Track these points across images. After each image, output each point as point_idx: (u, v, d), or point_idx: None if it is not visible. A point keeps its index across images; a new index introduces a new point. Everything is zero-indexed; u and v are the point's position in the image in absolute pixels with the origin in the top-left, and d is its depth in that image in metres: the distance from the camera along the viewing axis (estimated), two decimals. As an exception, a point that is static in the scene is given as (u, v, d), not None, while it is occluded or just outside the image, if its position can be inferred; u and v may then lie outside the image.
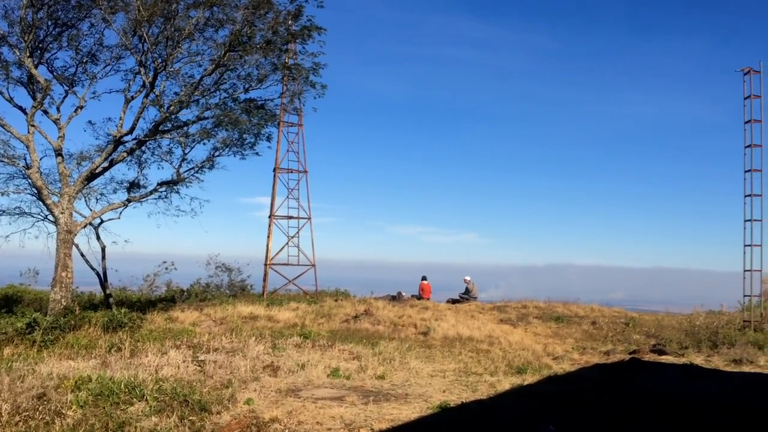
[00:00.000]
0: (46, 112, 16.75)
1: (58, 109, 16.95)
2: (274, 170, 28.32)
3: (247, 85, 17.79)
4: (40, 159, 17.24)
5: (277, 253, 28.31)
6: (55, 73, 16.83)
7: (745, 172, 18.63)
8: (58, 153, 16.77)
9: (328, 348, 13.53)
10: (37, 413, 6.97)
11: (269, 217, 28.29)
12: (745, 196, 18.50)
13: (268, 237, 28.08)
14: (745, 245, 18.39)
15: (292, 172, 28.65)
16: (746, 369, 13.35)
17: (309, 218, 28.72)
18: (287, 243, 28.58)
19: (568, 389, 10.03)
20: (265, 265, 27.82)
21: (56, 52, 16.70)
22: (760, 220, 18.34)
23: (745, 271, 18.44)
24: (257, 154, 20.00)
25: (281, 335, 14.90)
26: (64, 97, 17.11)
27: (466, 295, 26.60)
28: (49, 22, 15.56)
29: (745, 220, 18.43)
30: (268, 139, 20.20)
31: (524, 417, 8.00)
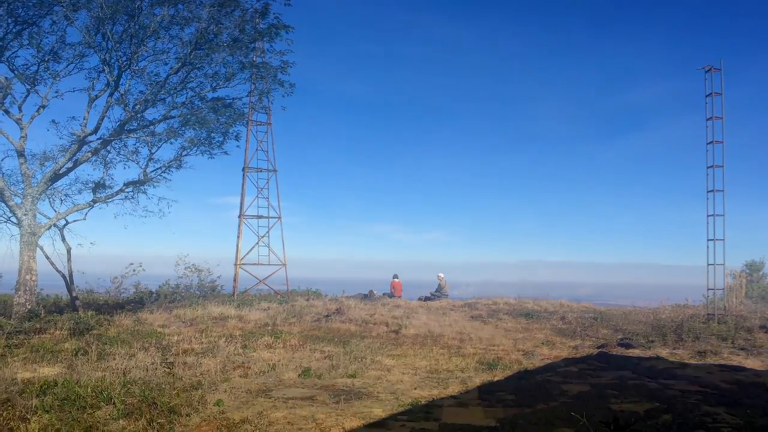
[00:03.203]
0: (7, 111, 16.36)
1: (19, 108, 16.56)
2: (243, 169, 28.13)
3: (214, 84, 17.62)
4: (2, 160, 16.92)
5: (248, 253, 28.14)
6: (15, 72, 16.42)
7: (708, 168, 19.07)
8: (21, 154, 16.43)
9: (300, 348, 13.52)
10: (1, 419, 6.85)
11: (239, 216, 28.08)
12: (708, 192, 18.94)
13: (238, 237, 27.88)
14: (708, 240, 18.83)
15: (261, 171, 28.48)
16: (710, 361, 13.69)
17: (279, 217, 28.60)
18: (257, 243, 28.41)
19: (536, 383, 10.19)
20: (236, 265, 27.62)
21: (17, 51, 16.28)
22: (723, 215, 18.78)
23: (708, 265, 18.88)
24: (226, 153, 19.83)
25: (252, 336, 14.84)
26: (26, 96, 16.69)
27: (438, 293, 26.76)
28: (9, 20, 15.20)
29: (708, 215, 18.87)
30: (237, 138, 20.04)
31: (494, 412, 8.11)
